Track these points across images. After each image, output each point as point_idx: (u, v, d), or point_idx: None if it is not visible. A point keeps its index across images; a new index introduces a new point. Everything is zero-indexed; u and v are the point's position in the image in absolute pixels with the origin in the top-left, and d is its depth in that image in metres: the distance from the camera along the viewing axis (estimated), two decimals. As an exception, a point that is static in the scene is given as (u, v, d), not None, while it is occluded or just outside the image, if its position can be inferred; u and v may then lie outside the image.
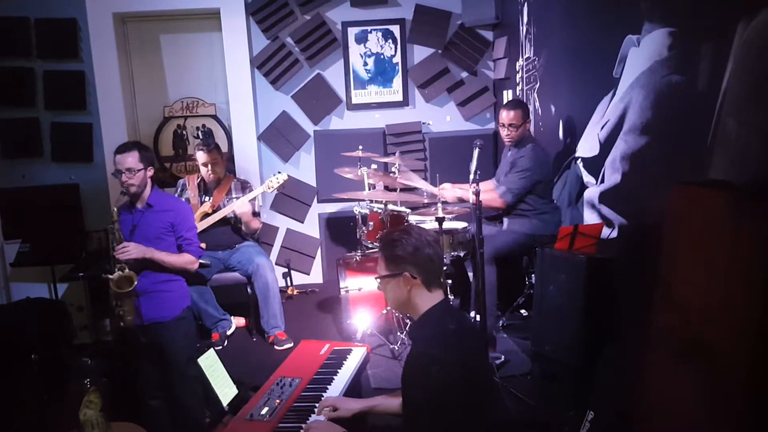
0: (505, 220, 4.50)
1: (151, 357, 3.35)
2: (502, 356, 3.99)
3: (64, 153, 5.61)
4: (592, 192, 3.96)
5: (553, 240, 4.21)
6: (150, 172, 3.37)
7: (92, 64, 5.50)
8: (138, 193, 3.34)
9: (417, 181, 4.87)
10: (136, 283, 3.17)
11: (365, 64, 5.89)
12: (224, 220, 4.68)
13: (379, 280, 2.28)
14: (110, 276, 3.14)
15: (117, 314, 3.23)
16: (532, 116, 4.98)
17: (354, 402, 2.56)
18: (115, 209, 3.26)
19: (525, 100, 5.11)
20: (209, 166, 4.65)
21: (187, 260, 3.43)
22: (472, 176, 3.77)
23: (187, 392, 3.31)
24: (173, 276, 3.42)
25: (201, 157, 4.66)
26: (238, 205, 4.58)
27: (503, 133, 4.37)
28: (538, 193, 4.32)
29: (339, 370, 2.93)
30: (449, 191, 4.50)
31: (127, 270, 3.15)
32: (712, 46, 2.73)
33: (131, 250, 3.19)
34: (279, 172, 4.77)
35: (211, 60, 5.86)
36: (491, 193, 4.39)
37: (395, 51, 5.88)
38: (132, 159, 3.28)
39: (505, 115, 4.33)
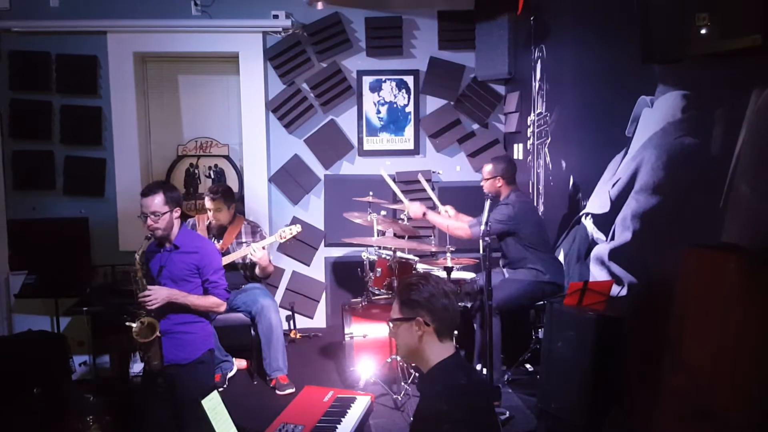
0: (506, 272, 4.49)
1: (166, 397, 3.27)
2: (507, 412, 3.92)
3: (76, 186, 5.67)
4: (601, 249, 3.96)
5: (558, 289, 4.21)
6: (176, 213, 3.37)
7: (110, 100, 5.60)
8: (165, 236, 3.34)
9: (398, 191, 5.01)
10: (158, 333, 3.14)
11: (378, 112, 5.97)
12: (232, 264, 4.69)
13: (391, 324, 2.26)
14: (132, 325, 3.11)
15: (142, 359, 3.21)
16: (542, 170, 5.03)
17: None
18: (138, 257, 3.23)
19: (535, 155, 5.16)
20: (212, 212, 4.73)
21: (213, 303, 3.41)
22: (483, 227, 3.79)
23: None
24: (196, 317, 3.39)
25: (206, 203, 4.75)
26: (259, 255, 4.54)
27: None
28: (526, 243, 4.31)
29: (342, 419, 2.89)
30: (417, 207, 4.63)
31: (147, 320, 3.12)
32: (726, 112, 2.77)
33: (157, 297, 3.17)
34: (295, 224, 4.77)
35: (227, 102, 5.96)
36: (463, 223, 4.46)
37: (408, 100, 5.97)
38: (158, 201, 3.28)
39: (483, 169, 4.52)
